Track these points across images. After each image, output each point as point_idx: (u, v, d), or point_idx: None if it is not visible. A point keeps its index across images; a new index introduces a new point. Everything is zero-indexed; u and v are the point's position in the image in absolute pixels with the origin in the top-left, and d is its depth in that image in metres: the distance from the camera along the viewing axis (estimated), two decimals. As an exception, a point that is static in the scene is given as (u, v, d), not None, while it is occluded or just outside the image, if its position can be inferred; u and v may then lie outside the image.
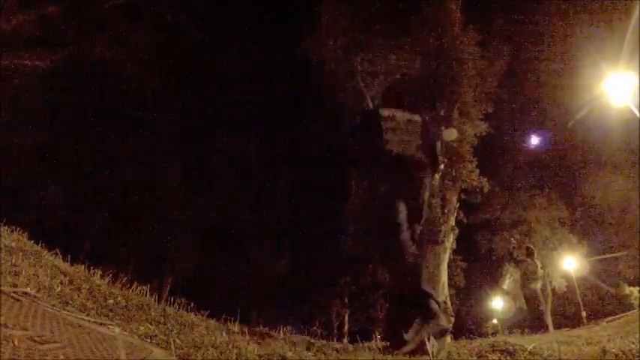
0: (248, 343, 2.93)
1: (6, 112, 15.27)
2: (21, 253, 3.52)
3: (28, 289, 2.44)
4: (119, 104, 20.22)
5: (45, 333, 1.70)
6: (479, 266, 26.98)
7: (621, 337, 3.46)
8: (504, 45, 15.90)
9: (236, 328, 4.05)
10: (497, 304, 28.60)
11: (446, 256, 14.27)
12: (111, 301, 3.36)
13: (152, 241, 23.74)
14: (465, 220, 15.15)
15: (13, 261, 3.18)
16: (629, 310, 21.35)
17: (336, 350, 3.62)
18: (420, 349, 2.86)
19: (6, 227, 4.53)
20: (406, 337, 2.94)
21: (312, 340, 3.86)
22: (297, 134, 27.18)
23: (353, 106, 16.24)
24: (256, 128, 26.77)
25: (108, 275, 4.52)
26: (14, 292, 2.20)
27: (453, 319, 13.28)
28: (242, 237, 26.98)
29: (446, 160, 14.76)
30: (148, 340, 2.45)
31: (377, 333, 24.53)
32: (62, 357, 1.53)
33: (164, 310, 3.75)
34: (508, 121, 21.53)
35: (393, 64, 14.98)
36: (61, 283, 3.23)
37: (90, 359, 1.65)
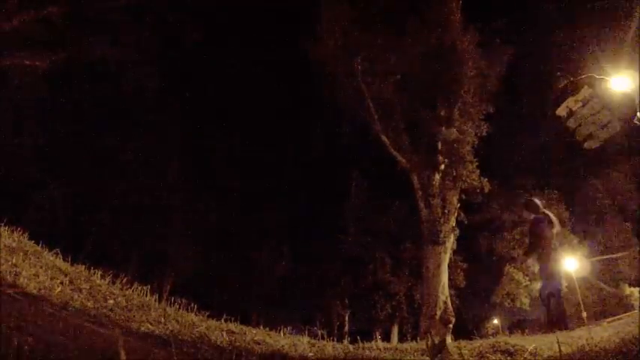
0: (248, 344, 2.93)
1: (6, 112, 15.27)
2: (21, 253, 3.51)
3: (28, 289, 2.43)
4: (119, 104, 20.21)
5: (45, 333, 1.70)
6: (479, 267, 26.99)
7: (622, 338, 3.46)
8: (504, 45, 15.88)
9: (236, 328, 4.05)
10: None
11: (446, 257, 14.24)
12: (111, 301, 3.35)
13: (152, 241, 23.73)
14: (465, 221, 15.12)
15: (14, 261, 3.17)
16: (630, 310, 21.34)
17: (337, 350, 3.62)
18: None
19: (6, 227, 4.53)
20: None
21: (313, 341, 3.85)
22: (297, 134, 27.22)
23: (353, 107, 16.22)
24: (256, 128, 26.77)
25: (108, 275, 4.53)
26: (15, 293, 2.19)
27: (453, 320, 13.27)
28: (242, 237, 26.96)
29: (446, 160, 14.75)
30: (148, 341, 2.44)
31: (377, 333, 24.54)
32: (63, 357, 1.53)
33: (164, 310, 3.74)
34: (508, 121, 21.51)
35: (393, 64, 14.94)
36: (62, 283, 3.22)
37: (90, 359, 1.65)
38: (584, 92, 2.93)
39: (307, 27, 15.87)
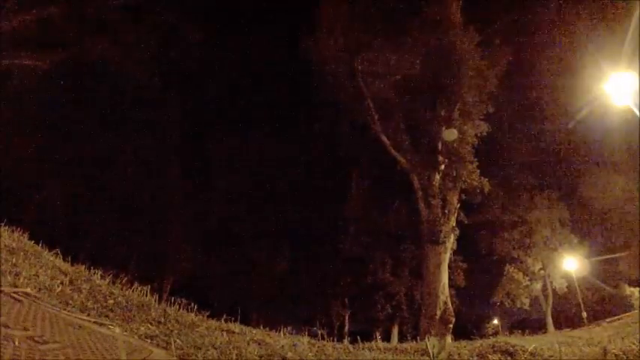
0: (248, 344, 2.93)
1: (6, 112, 15.28)
2: (22, 253, 3.52)
3: (28, 290, 2.43)
4: (119, 104, 20.21)
5: (45, 333, 1.70)
6: (479, 266, 27.00)
7: (622, 338, 3.46)
8: (504, 45, 15.86)
9: (236, 328, 4.05)
10: None
11: (446, 257, 14.26)
12: (111, 301, 3.36)
13: (152, 241, 23.73)
14: (465, 221, 15.13)
15: (14, 261, 3.18)
16: (630, 310, 21.34)
17: (337, 350, 3.62)
18: None
19: (6, 227, 4.53)
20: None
21: (313, 341, 3.85)
22: (297, 134, 27.21)
23: (353, 107, 16.23)
24: (256, 128, 26.78)
25: (108, 275, 4.54)
26: (15, 293, 2.19)
27: (453, 320, 13.27)
28: (242, 237, 26.96)
29: (446, 160, 14.74)
30: (148, 341, 2.44)
31: (377, 333, 24.56)
32: (62, 357, 1.53)
33: (164, 310, 3.75)
34: (509, 121, 21.50)
35: (393, 64, 14.95)
36: (62, 283, 3.23)
37: (90, 359, 1.65)
38: None
39: (307, 27, 15.89)
